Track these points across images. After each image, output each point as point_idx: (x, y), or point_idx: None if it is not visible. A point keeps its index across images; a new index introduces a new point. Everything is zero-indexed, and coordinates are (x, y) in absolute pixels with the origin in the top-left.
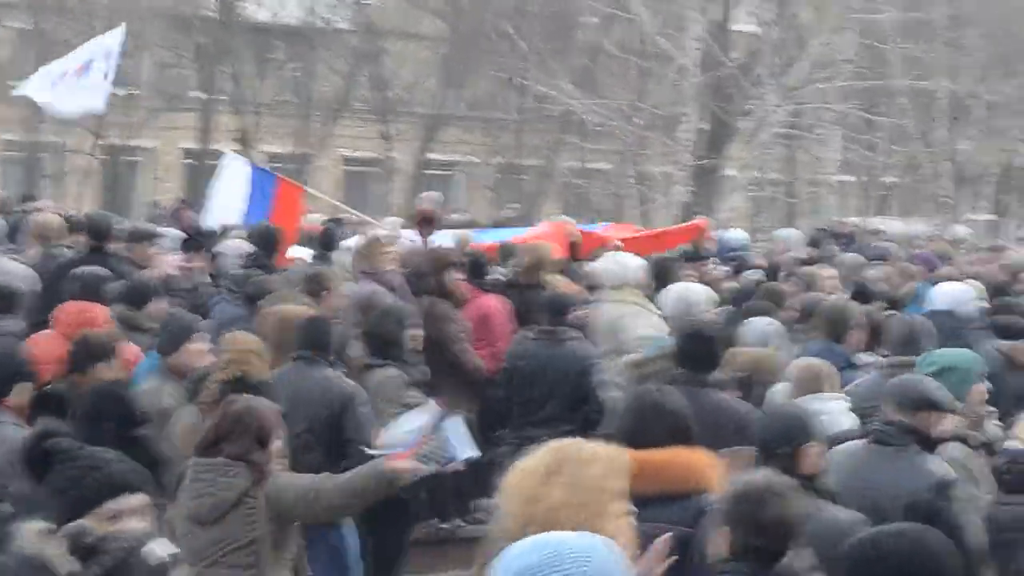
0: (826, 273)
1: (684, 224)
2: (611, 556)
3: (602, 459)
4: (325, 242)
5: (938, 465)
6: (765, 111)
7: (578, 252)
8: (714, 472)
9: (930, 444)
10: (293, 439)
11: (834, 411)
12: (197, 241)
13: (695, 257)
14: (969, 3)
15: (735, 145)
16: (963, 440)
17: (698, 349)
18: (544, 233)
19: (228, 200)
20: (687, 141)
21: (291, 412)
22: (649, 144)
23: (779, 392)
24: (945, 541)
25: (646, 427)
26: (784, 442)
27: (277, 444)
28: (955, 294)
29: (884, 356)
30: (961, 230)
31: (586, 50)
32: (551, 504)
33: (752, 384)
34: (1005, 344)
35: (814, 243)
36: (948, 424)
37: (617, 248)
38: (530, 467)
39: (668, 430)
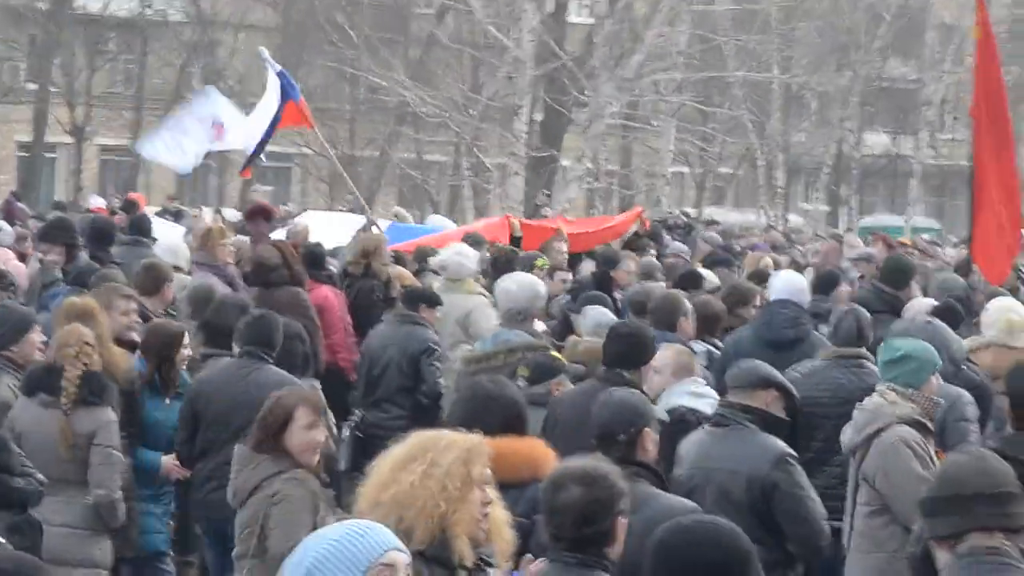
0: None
1: (624, 214)
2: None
3: (460, 446)
4: (143, 230)
5: (775, 441)
6: (600, 103)
7: (520, 246)
8: (550, 461)
9: (772, 423)
10: (236, 435)
11: (713, 395)
12: (54, 234)
13: (637, 246)
14: None
15: (571, 137)
16: (920, 426)
17: (631, 350)
18: (488, 227)
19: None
20: (523, 133)
21: (235, 409)
22: (484, 136)
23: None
24: (738, 535)
25: (480, 416)
26: (624, 429)
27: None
28: (793, 283)
29: (716, 346)
30: (796, 220)
31: (420, 41)
32: (400, 489)
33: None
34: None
35: (651, 234)
36: (904, 409)
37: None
38: (392, 454)
39: (502, 419)
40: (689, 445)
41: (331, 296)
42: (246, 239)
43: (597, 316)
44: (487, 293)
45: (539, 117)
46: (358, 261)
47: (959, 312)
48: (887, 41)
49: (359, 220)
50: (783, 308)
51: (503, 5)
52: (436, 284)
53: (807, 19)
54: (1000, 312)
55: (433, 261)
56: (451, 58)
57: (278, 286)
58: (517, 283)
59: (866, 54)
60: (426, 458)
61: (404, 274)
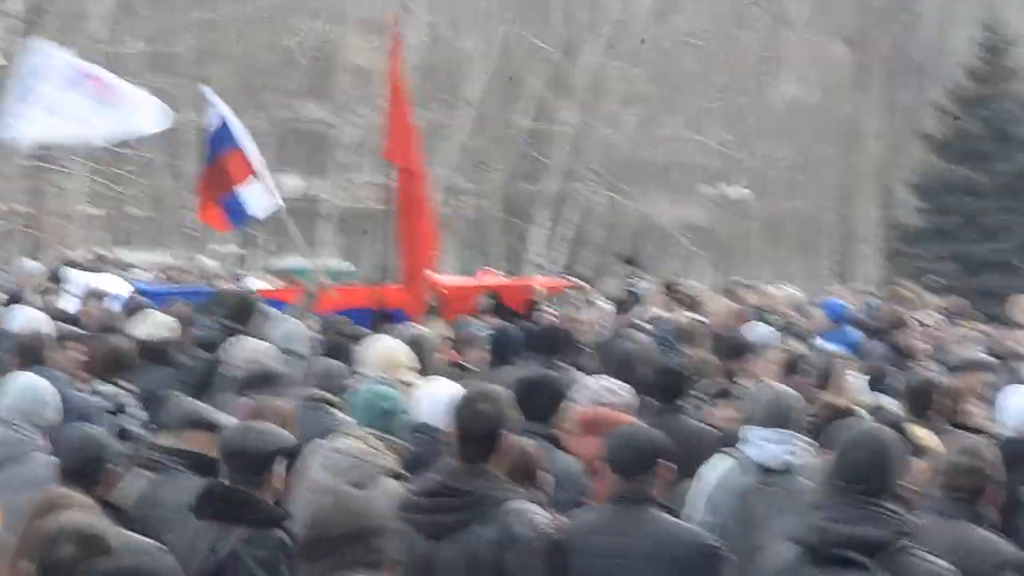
0: None
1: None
2: None
3: None
4: None
5: (199, 484)
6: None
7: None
8: None
9: (205, 464)
10: None
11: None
12: None
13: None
14: (214, 38)
15: None
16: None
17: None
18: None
19: None
20: None
21: None
22: None
23: None
24: None
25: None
26: (104, 463)
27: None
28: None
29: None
30: (209, 263)
31: None
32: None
33: None
34: None
35: (54, 276)
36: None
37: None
38: None
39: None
40: (132, 493)
41: None
42: None
43: None
44: None
45: None
46: None
47: None
48: (301, 83)
49: None
50: None
51: None
52: None
53: (221, 61)
54: (382, 351)
55: None
56: None
57: None
58: (280, 332)
59: (281, 96)
60: None
61: None
